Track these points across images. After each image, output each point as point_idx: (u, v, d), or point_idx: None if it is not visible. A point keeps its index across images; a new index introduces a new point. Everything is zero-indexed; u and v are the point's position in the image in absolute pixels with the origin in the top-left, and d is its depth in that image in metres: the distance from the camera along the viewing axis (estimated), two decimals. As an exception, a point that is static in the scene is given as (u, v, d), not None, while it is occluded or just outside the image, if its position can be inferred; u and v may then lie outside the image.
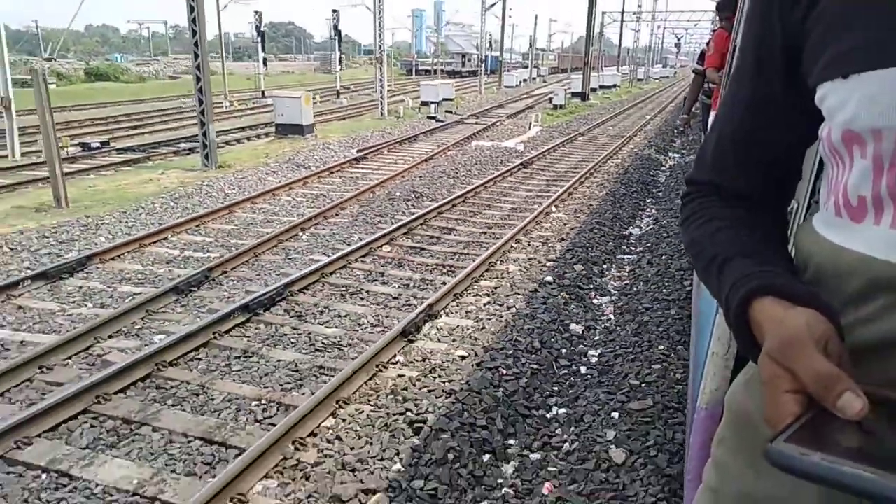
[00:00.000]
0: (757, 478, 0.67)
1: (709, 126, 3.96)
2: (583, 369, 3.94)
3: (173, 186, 9.00)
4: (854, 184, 0.59)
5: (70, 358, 4.04)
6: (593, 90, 25.53)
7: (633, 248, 6.68)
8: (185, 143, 13.26)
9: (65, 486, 2.86)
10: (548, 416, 3.43)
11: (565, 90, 22.12)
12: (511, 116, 19.33)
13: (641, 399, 3.38)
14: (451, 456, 2.93)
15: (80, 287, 5.22)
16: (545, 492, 2.78)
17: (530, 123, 16.40)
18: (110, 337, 4.33)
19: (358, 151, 11.95)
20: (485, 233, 7.03)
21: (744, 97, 0.73)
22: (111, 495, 2.79)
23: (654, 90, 36.39)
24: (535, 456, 3.07)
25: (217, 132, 13.54)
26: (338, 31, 23.31)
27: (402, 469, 2.87)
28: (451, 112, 19.85)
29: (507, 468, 2.99)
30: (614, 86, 32.88)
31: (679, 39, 57.75)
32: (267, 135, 14.53)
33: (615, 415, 3.29)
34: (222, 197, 8.35)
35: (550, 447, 3.12)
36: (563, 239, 6.73)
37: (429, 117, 18.14)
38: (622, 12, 38.71)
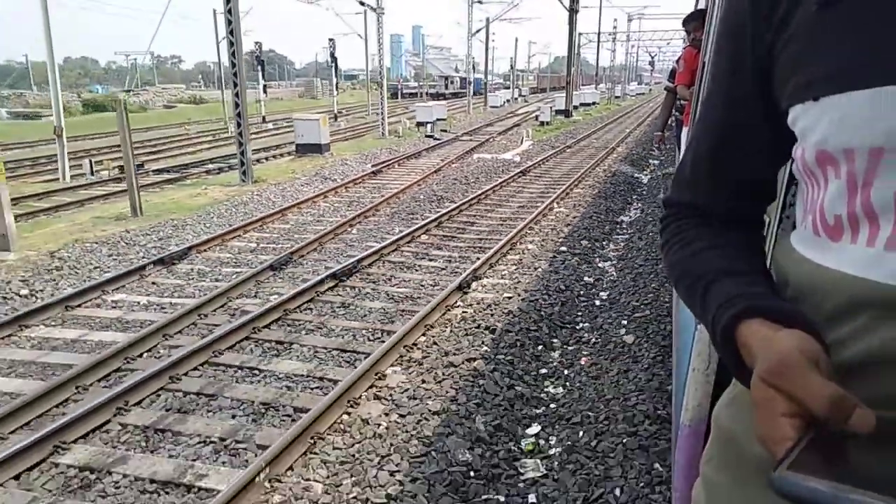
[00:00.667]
0: (746, 498, 0.67)
1: (682, 141, 4.91)
2: (597, 302, 5.47)
3: (223, 198, 10.43)
4: (830, 203, 0.60)
5: (215, 311, 5.46)
6: (575, 107, 27.45)
7: (625, 231, 8.26)
8: (212, 164, 14.71)
9: (256, 376, 4.27)
10: (577, 327, 4.94)
11: (550, 108, 23.94)
12: (502, 133, 21.04)
13: (641, 312, 4.91)
14: (517, 345, 4.42)
15: (192, 269, 6.65)
16: (582, 362, 4.29)
17: (522, 138, 18.08)
18: (237, 298, 5.76)
19: (373, 166, 13.47)
20: (501, 224, 8.56)
21: (717, 119, 0.74)
22: (292, 379, 4.21)
23: (631, 106, 38.63)
24: (571, 347, 4.57)
25: (257, 149, 15.00)
26: (334, 59, 24.96)
27: (487, 350, 4.36)
28: (445, 131, 21.51)
29: (555, 354, 4.49)
30: (594, 103, 34.96)
31: (653, 58, 60.59)
32: (283, 155, 16.02)
33: (624, 321, 4.82)
34: (271, 204, 9.79)
35: (582, 342, 4.63)
36: (567, 225, 8.29)
37: (426, 136, 19.77)
38: (598, 33, 41.06)
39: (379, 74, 19.95)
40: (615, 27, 48.89)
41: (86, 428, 3.52)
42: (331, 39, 24.46)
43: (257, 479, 2.98)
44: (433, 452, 3.20)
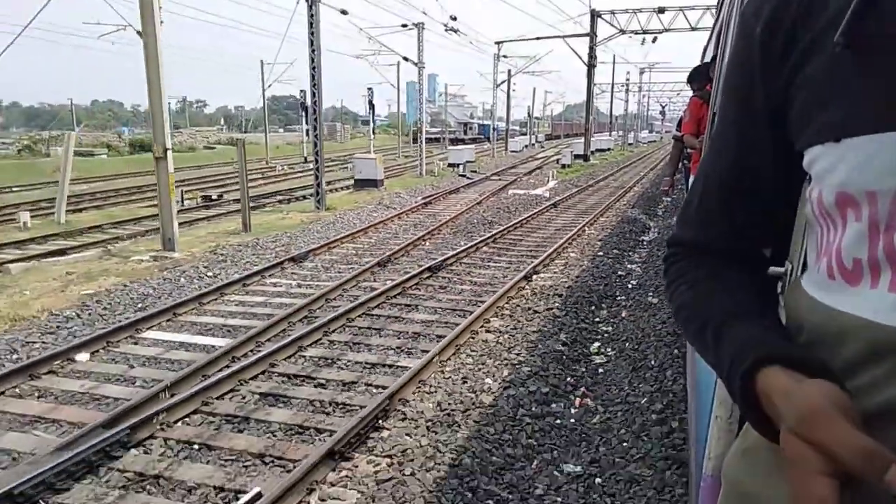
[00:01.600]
0: None
1: (689, 188, 5.60)
2: (629, 285, 7.65)
3: (308, 220, 12.75)
4: (848, 246, 0.60)
5: (352, 288, 7.66)
6: (592, 153, 30.00)
7: (646, 247, 10.46)
8: (281, 196, 17.11)
9: (401, 321, 6.42)
10: (616, 298, 7.11)
11: (571, 152, 26.47)
12: (527, 174, 23.48)
13: (663, 292, 7.08)
14: (578, 304, 6.60)
15: (315, 265, 8.87)
16: (623, 315, 6.45)
17: (548, 178, 20.48)
18: (364, 282, 7.97)
19: (423, 198, 15.82)
20: (544, 241, 10.76)
21: (725, 159, 0.75)
22: (426, 322, 6.36)
23: (643, 153, 41.32)
24: (614, 308, 6.73)
25: (302, 186, 17.47)
26: (371, 106, 27.70)
27: (558, 306, 6.54)
28: (475, 171, 24.00)
29: (603, 311, 6.65)
30: (608, 149, 37.63)
31: (663, 107, 63.82)
32: (337, 189, 18.44)
33: (650, 294, 7.00)
34: (352, 224, 12.08)
35: (621, 305, 6.79)
36: (599, 240, 10.51)
37: (460, 175, 22.23)
38: (612, 84, 44.13)
39: (419, 122, 22.53)
40: (628, 79, 52.16)
41: (283, 354, 5.70)
42: (369, 89, 27.24)
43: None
44: (539, 346, 5.37)
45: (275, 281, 8.01)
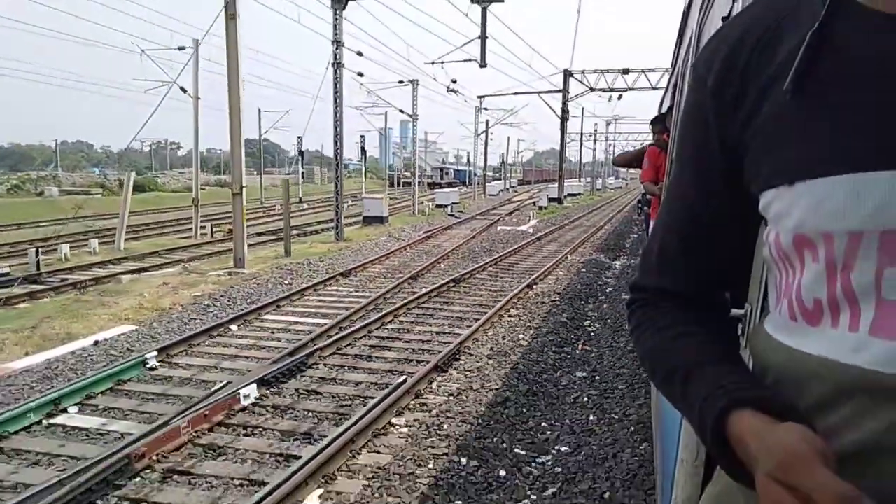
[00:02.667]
0: None
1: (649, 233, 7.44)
2: (607, 291, 10.39)
3: (335, 249, 15.25)
4: (808, 287, 0.62)
5: (397, 293, 10.19)
6: (565, 196, 33.26)
7: (618, 267, 13.27)
8: (295, 231, 19.57)
9: (443, 311, 8.99)
10: (599, 298, 9.83)
11: (546, 196, 29.62)
12: (508, 214, 26.41)
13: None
14: (572, 300, 9.29)
15: (360, 280, 11.38)
16: (604, 306, 9.16)
17: (529, 217, 23.41)
18: (402, 289, 10.51)
19: (424, 233, 18.49)
20: (537, 263, 13.47)
21: (683, 205, 0.78)
22: (462, 311, 8.94)
23: (610, 198, 45.00)
24: (597, 304, 9.44)
25: (309, 223, 19.93)
26: (364, 152, 30.60)
27: (556, 301, 9.22)
28: (462, 212, 26.86)
29: (590, 304, 9.35)
30: (579, 193, 41.10)
31: (628, 155, 68.41)
32: (346, 225, 20.99)
33: (625, 294, 9.73)
34: (375, 251, 14.62)
35: (603, 302, 9.51)
36: (581, 263, 13.30)
37: (449, 214, 25.04)
38: (581, 134, 48.07)
39: (412, 167, 25.45)
40: (596, 129, 56.44)
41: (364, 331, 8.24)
42: (362, 136, 30.20)
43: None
44: (551, 318, 8.03)
45: (335, 289, 10.51)
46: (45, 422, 4.94)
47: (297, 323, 8.13)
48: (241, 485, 4.03)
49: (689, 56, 2.82)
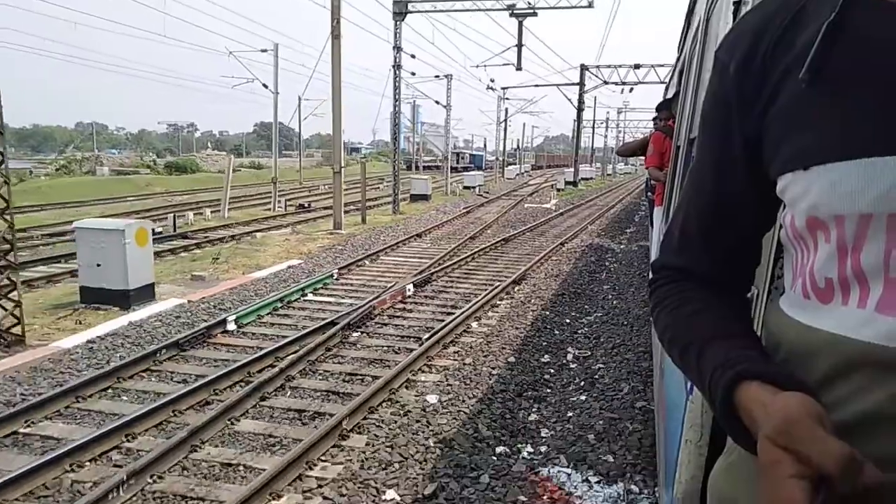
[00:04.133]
0: None
1: (654, 220, 6.02)
2: (622, 246, 14.29)
3: (398, 219, 19.13)
4: (820, 267, 0.66)
5: (465, 247, 14.09)
6: (579, 180, 37.06)
7: (628, 234, 17.16)
8: (352, 207, 23.48)
9: (495, 262, 12.88)
10: (616, 251, 13.73)
11: (563, 179, 33.46)
12: (529, 195, 30.22)
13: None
14: (594, 251, 13.21)
15: (432, 239, 15.28)
16: (618, 251, 13.06)
17: (550, 198, 27.24)
18: (466, 245, 14.42)
19: (464, 208, 22.36)
20: (563, 232, 17.32)
21: (705, 188, 0.82)
22: (506, 264, 12.82)
23: (620, 182, 48.75)
24: (615, 254, 13.35)
25: (355, 200, 23.67)
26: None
27: (578, 258, 13.15)
28: (488, 192, 30.70)
29: (608, 253, 13.26)
30: (591, 178, 44.87)
31: (638, 142, 71.99)
32: (382, 204, 24.87)
33: (634, 247, 13.64)
34: (432, 221, 18.50)
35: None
36: (597, 233, 17.20)
37: (478, 195, 28.88)
38: (593, 122, 51.70)
39: (447, 154, 29.26)
40: (608, 117, 60.05)
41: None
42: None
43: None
44: (582, 260, 11.96)
45: (417, 244, 14.41)
46: (302, 298, 8.85)
47: (407, 261, 12.04)
48: (418, 328, 7.91)
49: (696, 42, 2.91)
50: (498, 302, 9.06)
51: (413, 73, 24.00)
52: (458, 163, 64.89)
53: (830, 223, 0.64)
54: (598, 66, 33.06)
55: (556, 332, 7.82)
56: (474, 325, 7.90)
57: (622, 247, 14.47)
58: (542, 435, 4.80)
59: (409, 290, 9.25)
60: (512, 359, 6.59)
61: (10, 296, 6.55)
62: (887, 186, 0.60)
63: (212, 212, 18.98)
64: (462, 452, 4.45)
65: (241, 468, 4.23)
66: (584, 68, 32.98)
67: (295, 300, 8.76)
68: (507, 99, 39.05)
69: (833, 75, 0.65)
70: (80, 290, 8.28)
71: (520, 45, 20.97)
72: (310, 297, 9.06)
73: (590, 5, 19.18)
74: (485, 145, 57.38)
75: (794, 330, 0.70)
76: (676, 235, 0.87)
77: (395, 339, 7.17)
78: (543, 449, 4.56)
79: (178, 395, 5.18)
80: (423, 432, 4.77)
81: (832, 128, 0.64)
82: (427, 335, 7.02)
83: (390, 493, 3.89)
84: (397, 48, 20.00)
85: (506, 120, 43.04)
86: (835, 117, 0.65)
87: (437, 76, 28.55)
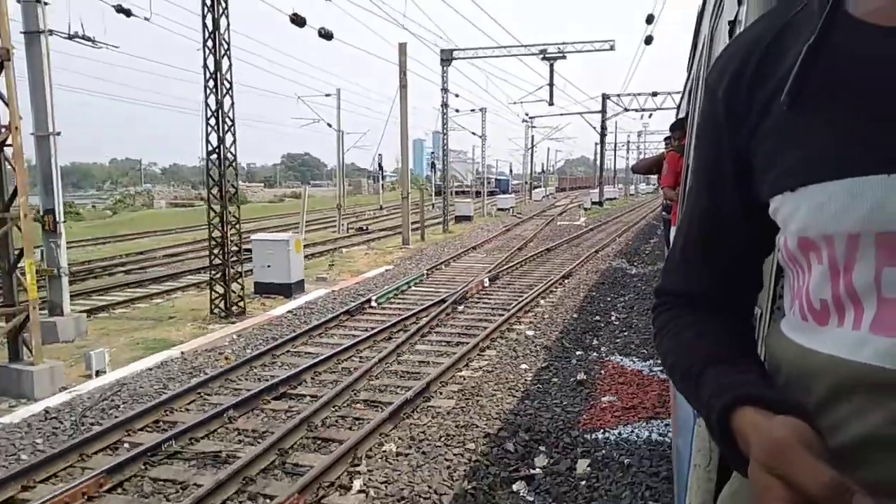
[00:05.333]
0: None
1: (670, 239, 5.34)
2: (647, 251, 17.53)
3: (449, 237, 22.50)
4: (815, 288, 0.67)
5: (516, 256, 17.41)
6: (604, 200, 40.30)
7: (651, 244, 20.35)
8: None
9: (545, 264, 16.17)
10: (642, 256, 16.97)
11: (590, 199, 36.73)
12: (559, 215, 33.53)
13: (657, 266, 16.98)
14: (624, 255, 16.46)
15: (486, 250, 18.63)
16: (644, 257, 16.30)
17: (579, 216, 30.52)
18: (516, 254, 17.74)
19: (503, 227, 25.70)
20: (595, 244, 20.56)
21: (701, 211, 0.84)
22: (554, 265, 16.10)
23: (643, 202, 51.88)
24: (641, 257, 16.59)
25: (416, 222, 27.11)
26: (433, 165, 37.84)
27: (615, 256, 16.42)
28: (520, 213, 34.07)
29: (637, 256, 16.50)
30: (615, 198, 48.09)
31: (659, 162, 75.10)
32: (445, 222, 28.30)
33: (657, 254, 16.87)
34: (478, 237, 21.84)
35: (637, 275, 16.65)
36: (625, 242, 20.44)
37: (513, 215, 32.25)
38: (615, 144, 55.03)
39: (479, 180, 32.73)
40: (628, 140, 63.41)
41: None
42: (432, 152, 37.53)
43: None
44: (614, 262, 15.23)
45: (475, 254, 17.74)
46: (409, 289, 12.18)
47: (473, 266, 15.36)
48: (501, 305, 11.15)
49: (702, 61, 2.97)
50: (554, 289, 12.32)
51: (457, 111, 27.56)
52: (483, 187, 68.72)
53: (821, 244, 0.65)
54: (618, 95, 36.50)
55: (601, 304, 11.06)
56: (542, 301, 11.17)
57: (647, 252, 17.67)
58: (602, 349, 8.05)
59: (485, 282, 12.56)
60: (574, 317, 9.86)
61: (238, 281, 9.99)
62: (872, 205, 0.61)
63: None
64: (557, 354, 7.74)
65: (408, 377, 7.49)
66: (605, 97, 36.45)
67: (405, 290, 12.10)
68: (534, 127, 42.63)
69: (814, 97, 0.67)
70: (255, 285, 11.71)
71: (551, 84, 24.47)
72: (413, 288, 12.39)
73: (611, 48, 22.63)
74: (510, 170, 61.00)
75: (792, 352, 0.70)
76: (676, 260, 0.89)
77: (488, 310, 10.45)
78: (604, 350, 7.84)
79: (358, 340, 8.46)
80: (531, 346, 8.07)
81: (816, 149, 0.66)
82: (511, 306, 10.30)
83: (524, 365, 7.20)
84: (444, 90, 23.60)
85: (532, 146, 46.56)
86: (817, 138, 0.66)
87: (472, 110, 32.16)
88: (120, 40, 11.18)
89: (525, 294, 11.48)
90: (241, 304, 10.17)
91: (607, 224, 27.86)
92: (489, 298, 11.44)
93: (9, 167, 6.57)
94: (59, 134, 9.08)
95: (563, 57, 23.56)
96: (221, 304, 10.14)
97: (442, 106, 23.88)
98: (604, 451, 5.11)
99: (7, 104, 6.42)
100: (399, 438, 5.40)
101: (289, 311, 10.19)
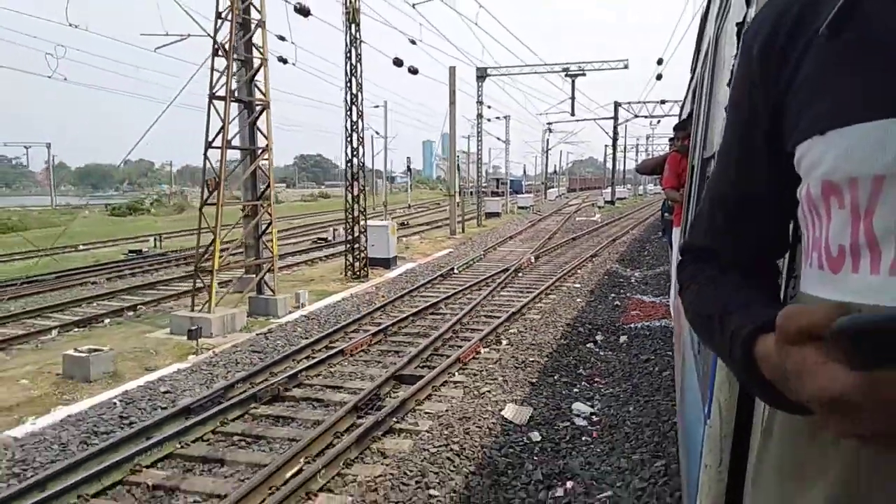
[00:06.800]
0: None
1: (673, 241, 6.29)
2: (655, 240, 21.84)
3: (485, 230, 26.77)
4: (834, 234, 0.68)
5: (550, 242, 21.73)
6: (616, 199, 44.57)
7: (659, 236, 24.61)
8: (436, 223, 31.22)
9: (574, 248, 20.44)
10: (652, 243, 21.27)
11: (603, 198, 41.04)
12: (575, 213, 37.81)
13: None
14: (635, 242, 20.75)
15: (521, 239, 22.91)
16: (654, 244, 20.60)
17: (594, 213, 34.80)
18: (551, 240, 22.03)
19: (529, 222, 29.98)
20: (612, 234, 24.83)
21: (732, 171, 0.87)
22: (582, 250, 20.38)
23: (650, 201, 56.15)
24: (652, 244, 20.88)
25: (436, 219, 31.47)
26: (459, 169, 42.07)
27: (628, 245, 20.73)
28: (539, 211, 38.36)
29: (647, 245, 20.79)
30: (625, 197, 52.40)
31: (666, 163, 79.38)
32: (479, 217, 32.57)
33: (665, 241, 21.20)
34: (511, 230, 26.11)
35: (654, 245, 20.95)
36: (638, 234, 24.71)
37: (533, 213, 36.55)
38: (625, 146, 59.36)
39: (494, 181, 37.03)
40: (637, 143, 67.74)
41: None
42: (464, 151, 41.70)
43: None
44: (629, 248, 19.55)
45: (513, 242, 22.00)
46: (475, 264, 16.46)
47: (515, 250, 19.63)
48: (549, 273, 15.42)
49: (707, 62, 3.06)
50: (586, 264, 16.58)
51: (488, 120, 31.89)
52: (497, 188, 73.01)
53: (844, 187, 0.66)
54: (629, 103, 40.82)
55: (625, 272, 15.34)
56: (578, 270, 15.45)
57: (655, 239, 21.93)
58: (626, 293, 12.29)
59: (532, 259, 16.84)
60: (606, 278, 14.15)
61: (360, 255, 14.33)
62: None
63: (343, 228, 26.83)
64: (598, 295, 12.05)
65: (505, 307, 11.71)
66: (617, 105, 40.76)
67: (472, 265, 16.38)
68: (551, 131, 46.96)
69: (852, 38, 0.67)
70: (367, 259, 16.04)
71: (573, 98, 28.78)
72: (477, 264, 16.66)
73: (625, 67, 26.91)
74: (524, 171, 65.28)
75: (805, 303, 0.70)
76: (704, 217, 0.91)
77: (540, 275, 14.70)
78: (628, 293, 12.15)
79: (460, 290, 12.69)
80: (580, 292, 12.41)
81: (849, 91, 0.66)
82: (557, 273, 14.57)
83: (578, 299, 11.50)
84: (479, 102, 27.92)
85: (548, 150, 50.92)
86: (852, 80, 0.66)
87: (497, 118, 36.47)
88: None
89: (565, 266, 15.76)
90: (365, 269, 14.46)
91: (620, 220, 32.15)
92: (538, 270, 15.72)
93: (261, 172, 10.86)
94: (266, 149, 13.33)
95: (584, 74, 27.87)
96: (351, 270, 14.44)
97: (477, 117, 28.19)
98: (633, 332, 9.38)
99: (266, 136, 10.69)
100: (514, 330, 9.66)
101: (398, 275, 14.49)
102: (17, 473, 5.03)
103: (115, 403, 6.45)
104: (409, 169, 44.20)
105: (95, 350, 7.59)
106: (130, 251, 20.66)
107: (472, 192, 61.67)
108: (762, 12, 0.81)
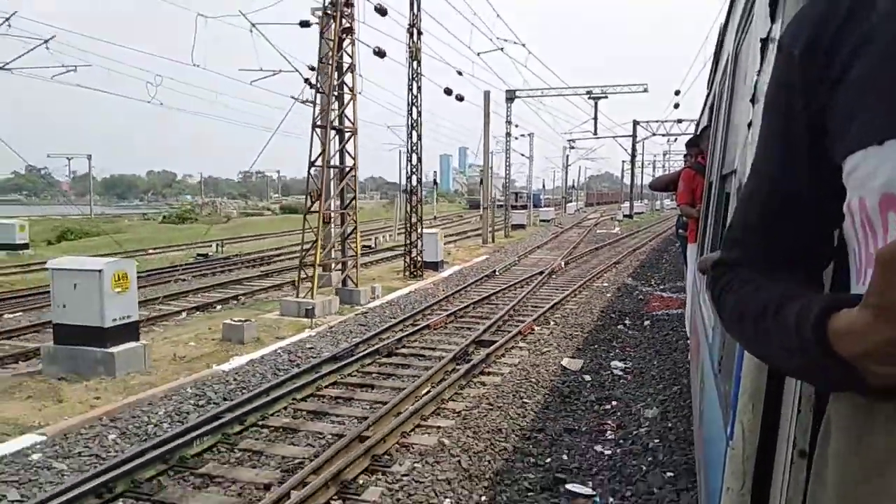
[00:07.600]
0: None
1: (687, 257, 6.84)
2: (673, 252, 24.23)
3: (513, 240, 29.25)
4: None
5: (577, 250, 24.15)
6: (634, 214, 46.93)
7: (677, 246, 26.96)
8: (468, 233, 33.71)
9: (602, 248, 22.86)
10: (669, 252, 23.65)
11: (622, 212, 43.48)
12: (594, 226, 40.22)
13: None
14: (654, 254, 23.15)
15: (549, 247, 25.37)
16: (672, 252, 22.99)
17: (614, 227, 37.19)
18: (576, 249, 24.48)
19: (552, 234, 32.43)
20: (632, 245, 27.23)
21: (768, 179, 0.84)
22: (608, 258, 22.78)
23: (667, 216, 58.42)
24: (670, 253, 23.26)
25: (464, 230, 33.96)
26: (481, 182, 44.62)
27: (648, 257, 23.14)
28: (560, 224, 40.80)
29: (664, 254, 23.18)
30: (643, 212, 54.76)
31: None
32: (506, 228, 35.05)
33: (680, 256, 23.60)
34: (538, 240, 28.58)
35: (667, 262, 23.34)
36: (655, 245, 27.10)
37: (555, 226, 39.00)
38: (642, 163, 61.71)
39: (512, 194, 39.58)
40: (654, 160, 70.15)
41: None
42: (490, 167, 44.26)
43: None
44: (648, 257, 21.97)
45: (541, 251, 24.44)
46: (512, 268, 18.93)
47: (544, 257, 22.06)
48: (579, 276, 17.86)
49: (725, 77, 3.07)
50: (611, 269, 18.99)
51: (516, 138, 34.50)
52: (517, 201, 75.57)
53: None
54: (647, 122, 43.30)
55: (644, 275, 17.73)
56: (606, 274, 17.87)
57: (673, 251, 24.29)
58: (648, 289, 14.71)
59: (562, 264, 19.28)
60: (630, 280, 16.58)
61: (417, 257, 16.88)
62: None
63: (383, 237, 29.44)
64: (624, 292, 14.49)
65: (546, 299, 14.15)
66: (636, 123, 43.26)
67: (511, 268, 18.85)
68: (573, 148, 49.53)
69: None
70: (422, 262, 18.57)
71: (595, 118, 31.33)
72: (513, 268, 19.12)
73: (644, 90, 29.42)
74: (543, 186, 67.82)
75: None
76: (739, 228, 0.88)
77: (571, 277, 17.13)
78: (650, 289, 14.58)
79: (507, 286, 15.13)
80: (608, 289, 14.87)
81: None
82: (586, 276, 17.00)
83: (608, 294, 13.96)
84: (508, 121, 30.52)
85: (567, 166, 53.43)
86: None
87: (521, 135, 39.07)
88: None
89: (592, 270, 18.19)
90: (421, 270, 16.97)
91: (638, 233, 34.54)
92: (569, 273, 18.16)
93: (347, 184, 13.45)
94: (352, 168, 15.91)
95: (605, 97, 30.41)
96: (410, 269, 16.96)
97: (506, 136, 30.79)
98: (655, 318, 11.80)
99: (353, 157, 13.31)
100: (558, 315, 12.10)
101: (449, 275, 17.00)
102: (244, 388, 7.56)
103: (279, 353, 9.00)
104: (435, 182, 46.85)
105: (246, 320, 10.12)
106: (199, 255, 23.26)
107: (497, 205, 64.39)
108: (802, 13, 0.81)
